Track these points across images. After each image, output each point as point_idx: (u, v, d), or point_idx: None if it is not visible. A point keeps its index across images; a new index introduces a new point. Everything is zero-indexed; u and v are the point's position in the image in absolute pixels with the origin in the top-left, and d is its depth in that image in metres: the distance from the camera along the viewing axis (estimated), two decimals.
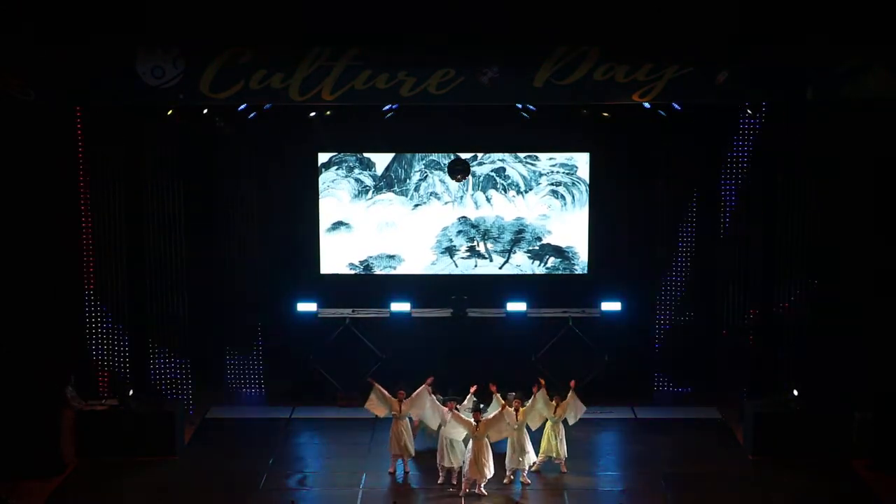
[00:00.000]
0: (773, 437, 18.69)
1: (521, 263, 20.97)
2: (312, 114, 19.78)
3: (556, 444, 17.89)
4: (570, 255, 20.98)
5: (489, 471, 17.27)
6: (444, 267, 21.14)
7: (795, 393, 19.13)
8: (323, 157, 20.98)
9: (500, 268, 20.77)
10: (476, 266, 20.78)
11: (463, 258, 20.61)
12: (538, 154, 20.72)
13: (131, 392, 19.17)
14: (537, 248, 21.06)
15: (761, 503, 17.36)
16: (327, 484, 18.03)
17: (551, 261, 21.00)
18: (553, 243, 21.04)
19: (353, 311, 21.53)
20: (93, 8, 16.95)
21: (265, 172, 21.41)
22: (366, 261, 21.07)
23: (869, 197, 19.21)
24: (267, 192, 21.56)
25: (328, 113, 19.78)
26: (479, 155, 20.83)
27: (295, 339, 21.59)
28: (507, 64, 17.24)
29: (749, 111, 19.61)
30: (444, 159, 20.59)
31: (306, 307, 21.34)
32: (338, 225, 20.84)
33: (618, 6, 17.03)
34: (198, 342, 21.01)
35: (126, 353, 20.24)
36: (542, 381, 17.93)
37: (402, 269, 21.29)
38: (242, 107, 19.35)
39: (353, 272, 21.34)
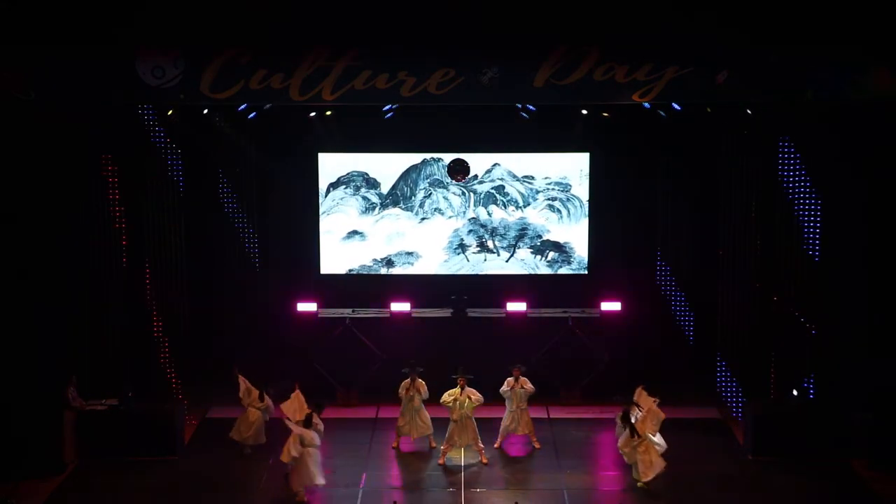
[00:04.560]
0: (773, 437, 18.70)
1: (525, 258, 21.40)
2: (312, 114, 19.81)
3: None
4: (568, 249, 21.40)
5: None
6: (458, 262, 21.41)
7: (795, 393, 19.14)
8: (331, 177, 21.43)
9: (507, 261, 21.37)
10: (486, 260, 21.41)
11: (474, 253, 21.33)
12: (534, 174, 21.29)
13: (131, 392, 19.18)
14: (538, 243, 21.37)
15: (761, 503, 17.37)
16: (327, 484, 18.01)
17: (551, 255, 21.33)
18: (552, 239, 21.40)
19: (353, 311, 21.55)
20: (93, 8, 16.94)
21: (265, 172, 21.45)
22: (386, 257, 21.41)
23: (868, 196, 19.20)
24: (267, 191, 21.59)
25: (328, 113, 19.81)
26: (479, 174, 21.29)
27: (295, 339, 21.59)
28: (507, 64, 17.24)
29: (749, 111, 19.61)
30: (447, 178, 21.19)
31: (306, 307, 21.35)
32: (352, 234, 21.47)
33: (618, 6, 17.03)
34: (198, 342, 21.01)
35: (126, 353, 20.25)
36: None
37: (413, 269, 21.55)
38: (242, 107, 19.37)
39: (375, 266, 21.57)
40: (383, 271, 21.56)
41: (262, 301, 21.81)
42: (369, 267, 21.52)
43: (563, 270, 21.52)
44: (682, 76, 17.18)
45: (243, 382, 19.22)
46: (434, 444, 19.14)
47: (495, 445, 19.12)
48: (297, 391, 18.55)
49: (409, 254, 21.45)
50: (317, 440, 17.27)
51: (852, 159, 19.15)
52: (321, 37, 17.12)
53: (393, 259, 21.43)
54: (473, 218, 21.39)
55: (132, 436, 18.69)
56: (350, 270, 21.57)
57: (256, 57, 17.14)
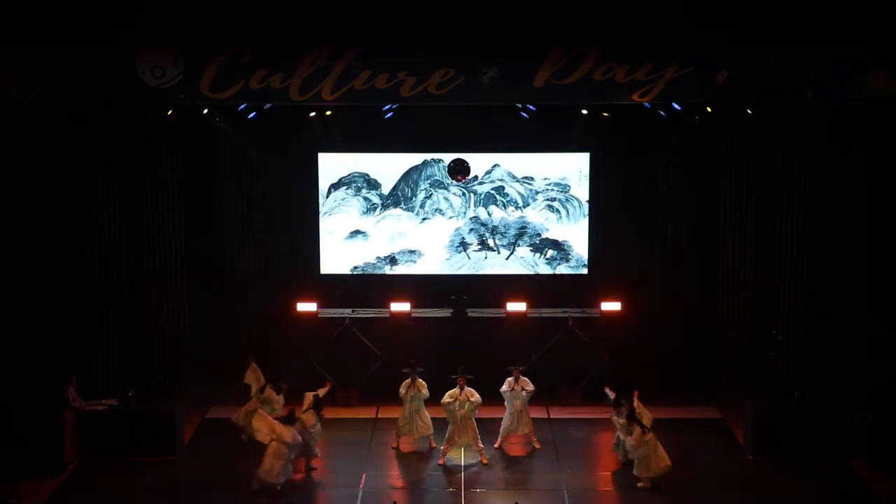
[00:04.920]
0: (773, 437, 18.69)
1: (524, 255, 21.54)
2: (312, 114, 19.80)
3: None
4: (567, 247, 21.46)
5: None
6: (459, 260, 21.50)
7: (796, 393, 19.14)
8: (332, 178, 21.50)
9: (507, 259, 21.49)
10: (486, 258, 21.53)
11: (475, 251, 21.47)
12: (533, 175, 21.38)
13: (131, 392, 19.18)
14: (538, 242, 21.45)
15: (761, 503, 17.37)
16: (327, 484, 18.03)
17: (550, 252, 21.46)
18: (551, 238, 21.51)
19: (353, 311, 21.54)
20: (93, 8, 16.94)
21: (266, 172, 21.44)
22: (390, 255, 21.52)
23: (868, 196, 19.20)
24: (267, 191, 21.58)
25: (328, 113, 19.81)
26: (479, 175, 21.36)
27: (295, 339, 21.59)
28: (507, 64, 17.25)
29: (749, 111, 19.61)
30: (448, 179, 21.24)
31: (306, 307, 21.34)
32: (355, 233, 21.56)
33: (618, 6, 17.03)
34: (198, 341, 21.01)
35: (126, 353, 20.24)
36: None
37: (415, 266, 21.64)
38: (242, 107, 19.37)
39: (379, 264, 21.66)
40: (387, 269, 21.59)
41: (262, 301, 21.80)
42: (373, 265, 21.57)
43: (562, 267, 21.56)
44: (682, 76, 17.18)
45: (253, 371, 19.33)
46: (434, 445, 19.14)
47: (496, 445, 19.12)
48: (326, 387, 19.04)
49: (412, 252, 21.53)
50: (287, 437, 17.27)
51: (853, 159, 19.15)
52: (321, 37, 17.13)
53: (396, 257, 21.46)
54: (475, 217, 21.45)
55: (132, 436, 18.68)
56: (355, 268, 21.61)
57: (256, 57, 17.14)
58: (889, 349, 18.74)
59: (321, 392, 18.83)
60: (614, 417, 18.34)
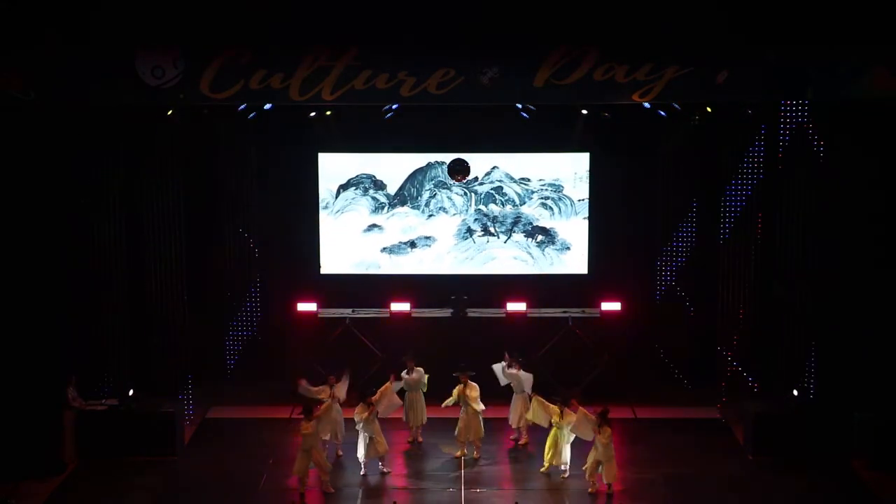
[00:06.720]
0: (773, 437, 18.70)
1: (519, 240, 22.02)
2: (312, 114, 19.81)
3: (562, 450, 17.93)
4: (553, 233, 21.88)
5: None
6: (466, 245, 22.02)
7: (795, 393, 19.14)
8: (340, 179, 21.84)
9: (505, 243, 22.06)
10: (488, 242, 22.07)
11: (479, 237, 22.06)
12: (530, 177, 21.72)
13: (131, 392, 19.18)
14: (530, 229, 21.87)
15: (761, 503, 17.37)
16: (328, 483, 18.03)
17: (539, 237, 21.93)
18: (540, 225, 21.92)
19: (353, 311, 21.56)
20: (93, 8, 16.94)
21: (266, 172, 21.46)
22: (409, 240, 22.02)
23: (869, 195, 19.21)
24: (267, 191, 21.59)
25: (328, 113, 19.82)
26: (479, 176, 21.68)
27: (295, 339, 21.59)
28: (507, 64, 17.25)
29: (749, 111, 19.61)
30: (450, 180, 21.55)
31: (306, 307, 21.35)
32: (372, 227, 21.92)
33: (618, 6, 17.03)
34: (198, 342, 21.00)
35: (126, 353, 20.24)
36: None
37: (430, 250, 22.00)
38: (242, 107, 19.37)
39: (404, 248, 22.01)
40: (409, 250, 21.92)
41: (262, 301, 21.79)
42: (397, 247, 21.93)
43: (549, 249, 21.80)
44: (682, 76, 17.19)
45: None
46: (420, 440, 19.22)
47: (521, 441, 19.25)
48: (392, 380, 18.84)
49: (427, 237, 21.99)
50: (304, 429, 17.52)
51: (854, 159, 19.15)
52: (321, 37, 17.13)
53: (415, 241, 21.98)
54: (478, 209, 21.84)
55: (132, 436, 18.69)
56: (383, 248, 21.94)
57: (256, 57, 17.15)
58: (889, 349, 18.74)
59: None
60: (555, 418, 18.04)
